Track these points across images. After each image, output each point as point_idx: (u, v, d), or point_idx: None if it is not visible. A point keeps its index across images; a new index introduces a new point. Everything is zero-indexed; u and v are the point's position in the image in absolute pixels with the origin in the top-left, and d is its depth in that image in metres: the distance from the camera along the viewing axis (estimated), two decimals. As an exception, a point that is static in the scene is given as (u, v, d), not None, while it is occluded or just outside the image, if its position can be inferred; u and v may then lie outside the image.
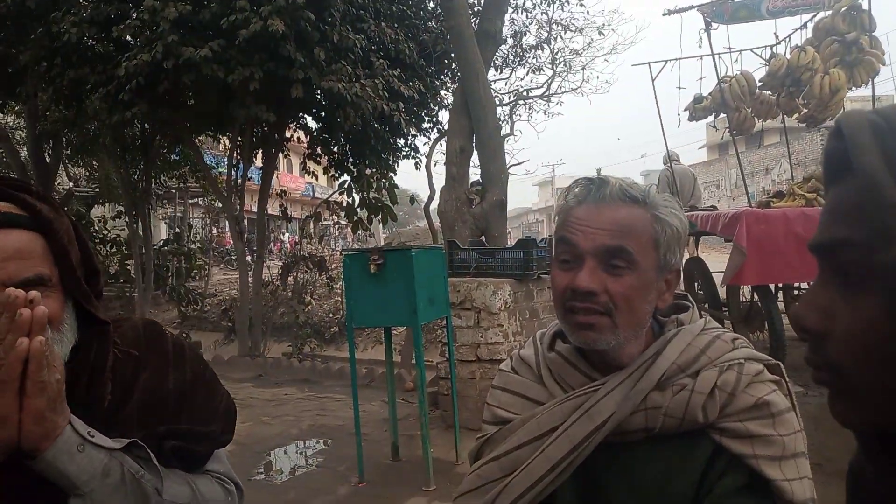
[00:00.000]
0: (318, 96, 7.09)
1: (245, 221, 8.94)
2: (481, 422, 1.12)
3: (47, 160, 9.81)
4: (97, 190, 12.89)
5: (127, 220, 9.79)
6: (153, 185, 10.47)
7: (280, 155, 8.62)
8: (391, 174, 8.70)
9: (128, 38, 6.20)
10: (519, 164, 13.33)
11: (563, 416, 0.99)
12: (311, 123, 8.47)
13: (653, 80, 6.17)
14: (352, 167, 8.40)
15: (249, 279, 7.78)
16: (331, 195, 9.20)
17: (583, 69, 11.38)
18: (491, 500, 1.00)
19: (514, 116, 11.42)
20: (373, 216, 8.56)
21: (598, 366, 1.01)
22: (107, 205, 13.96)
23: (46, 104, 8.06)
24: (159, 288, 10.96)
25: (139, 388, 1.11)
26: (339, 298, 10.25)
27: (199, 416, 1.14)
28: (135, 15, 5.94)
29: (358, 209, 8.47)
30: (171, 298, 10.83)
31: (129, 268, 11.32)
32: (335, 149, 8.48)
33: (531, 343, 1.13)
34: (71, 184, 13.78)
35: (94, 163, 12.15)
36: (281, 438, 4.38)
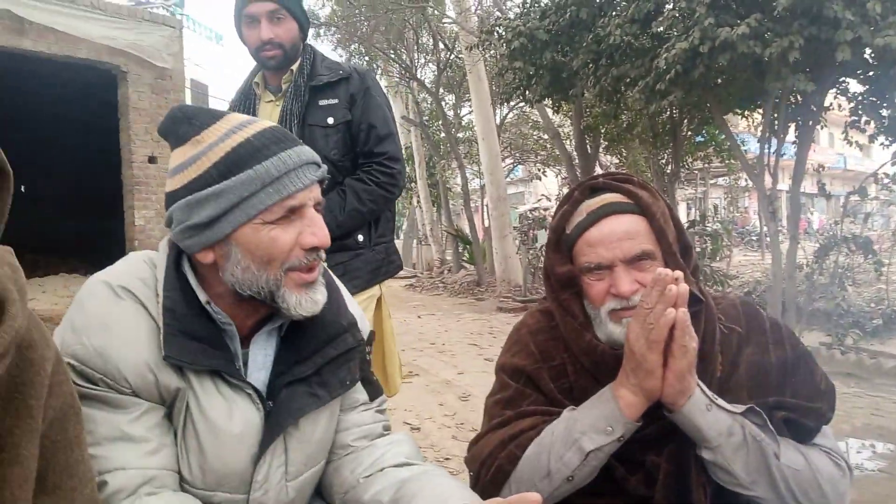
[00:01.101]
0: (867, 56, 6.27)
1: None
2: None
3: (588, 151, 11.07)
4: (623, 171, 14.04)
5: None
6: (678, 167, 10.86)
7: (817, 126, 7.92)
8: (965, 136, 7.11)
9: (660, 29, 6.56)
10: None
11: None
12: (855, 88, 7.52)
13: None
14: (909, 132, 7.16)
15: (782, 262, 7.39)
16: (881, 167, 8.03)
17: None
18: None
19: None
20: (938, 189, 7.16)
21: None
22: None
23: (591, 101, 9.14)
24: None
25: (744, 361, 1.20)
26: (885, 286, 8.93)
27: (802, 392, 1.18)
28: (671, 5, 6.25)
29: (918, 182, 7.20)
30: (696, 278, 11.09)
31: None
32: (885, 113, 7.35)
33: None
34: (602, 171, 15.30)
35: (623, 151, 13.23)
36: (829, 432, 4.06)
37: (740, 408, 1.10)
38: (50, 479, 0.79)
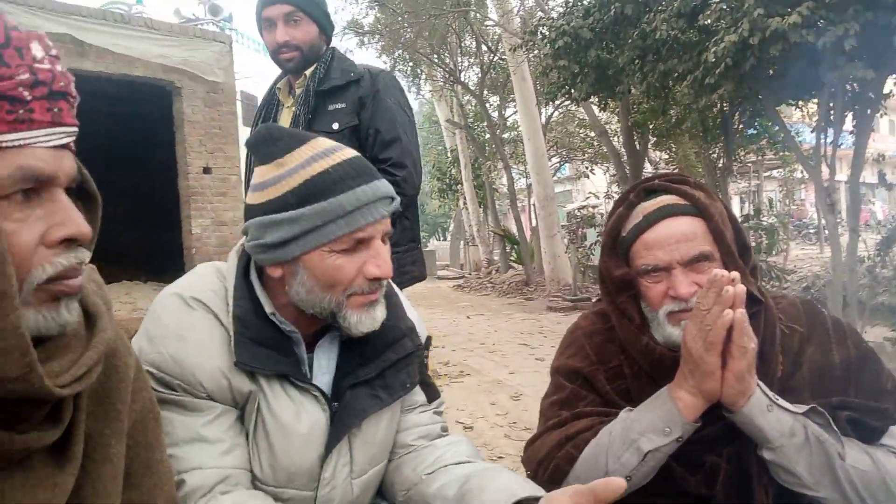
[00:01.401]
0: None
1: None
2: None
3: (636, 148, 10.93)
4: (676, 171, 13.80)
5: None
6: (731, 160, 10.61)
7: (877, 114, 7.66)
8: None
9: (708, 22, 6.44)
10: None
11: None
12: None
13: None
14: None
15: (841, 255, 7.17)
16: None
17: None
18: None
19: None
20: None
21: None
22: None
23: (638, 98, 9.02)
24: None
25: (806, 361, 1.18)
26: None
27: (867, 392, 1.15)
28: (718, -1, 6.15)
29: None
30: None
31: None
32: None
33: None
34: (652, 168, 15.05)
35: (673, 146, 13.00)
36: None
37: (802, 408, 1.08)
38: (133, 476, 0.84)
